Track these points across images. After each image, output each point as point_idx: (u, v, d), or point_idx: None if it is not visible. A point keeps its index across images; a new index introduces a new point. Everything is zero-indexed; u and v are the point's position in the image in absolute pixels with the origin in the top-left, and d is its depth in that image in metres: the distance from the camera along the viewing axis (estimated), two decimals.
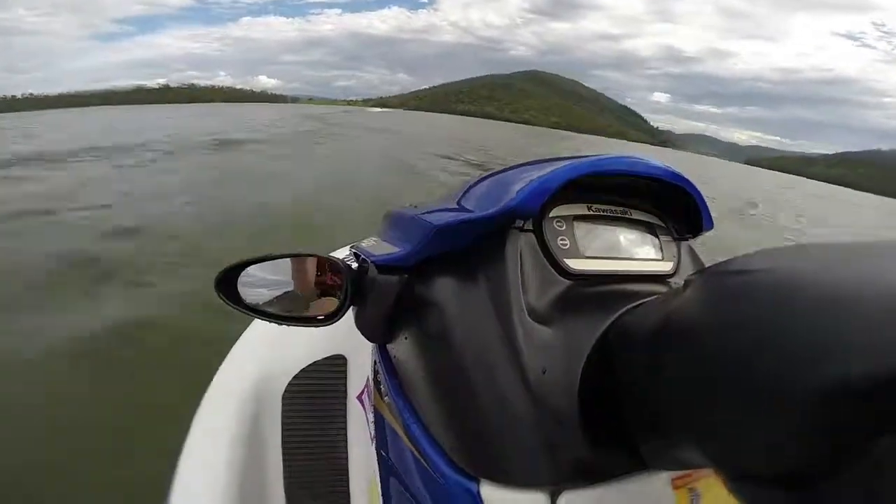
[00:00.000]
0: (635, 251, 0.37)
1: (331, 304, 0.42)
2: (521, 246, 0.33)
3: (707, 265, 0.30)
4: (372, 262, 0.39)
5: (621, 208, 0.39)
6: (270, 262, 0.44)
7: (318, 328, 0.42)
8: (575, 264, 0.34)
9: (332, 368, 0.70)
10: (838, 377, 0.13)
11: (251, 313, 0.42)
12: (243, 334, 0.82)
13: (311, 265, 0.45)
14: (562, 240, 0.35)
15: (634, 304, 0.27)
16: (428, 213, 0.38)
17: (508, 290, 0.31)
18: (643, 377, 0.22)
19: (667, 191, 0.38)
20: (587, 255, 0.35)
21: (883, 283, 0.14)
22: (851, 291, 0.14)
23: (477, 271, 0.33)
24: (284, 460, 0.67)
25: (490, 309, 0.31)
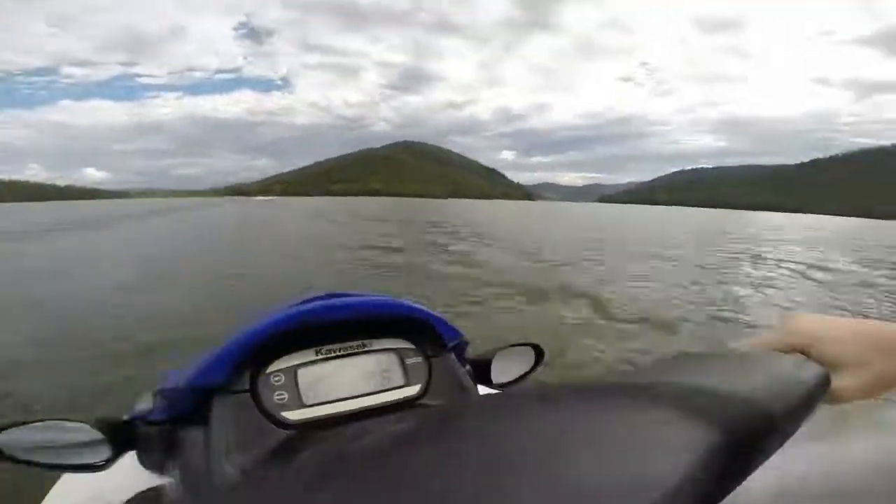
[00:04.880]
0: (372, 384, 0.39)
1: (107, 450, 0.44)
2: (229, 408, 0.36)
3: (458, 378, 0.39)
4: (133, 417, 0.43)
5: (359, 342, 0.40)
6: (34, 425, 0.43)
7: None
8: (293, 416, 0.36)
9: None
10: None
11: (20, 464, 0.40)
12: None
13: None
14: (279, 394, 0.37)
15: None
16: (170, 375, 0.43)
17: (210, 452, 0.34)
18: None
19: (403, 316, 0.41)
20: (310, 403, 0.37)
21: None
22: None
23: (192, 433, 0.37)
24: None
25: (203, 468, 0.34)
